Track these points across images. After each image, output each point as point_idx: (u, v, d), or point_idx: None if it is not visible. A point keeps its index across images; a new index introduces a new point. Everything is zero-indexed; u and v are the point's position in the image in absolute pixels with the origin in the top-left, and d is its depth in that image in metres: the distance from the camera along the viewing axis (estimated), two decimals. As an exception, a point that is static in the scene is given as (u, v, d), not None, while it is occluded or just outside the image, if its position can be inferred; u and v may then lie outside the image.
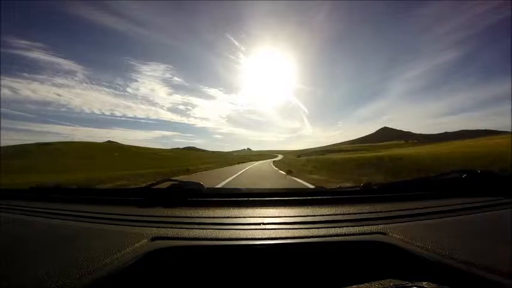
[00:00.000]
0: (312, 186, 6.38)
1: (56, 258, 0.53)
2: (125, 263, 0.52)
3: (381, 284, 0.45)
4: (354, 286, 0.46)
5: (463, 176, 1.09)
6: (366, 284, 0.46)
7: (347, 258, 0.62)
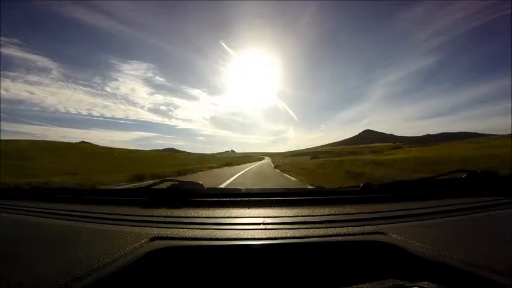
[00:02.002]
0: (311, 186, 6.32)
1: (56, 258, 0.53)
2: (124, 263, 0.52)
3: (381, 284, 0.45)
4: (354, 286, 0.46)
5: (463, 176, 1.09)
6: (366, 284, 0.46)
7: (347, 258, 0.62)
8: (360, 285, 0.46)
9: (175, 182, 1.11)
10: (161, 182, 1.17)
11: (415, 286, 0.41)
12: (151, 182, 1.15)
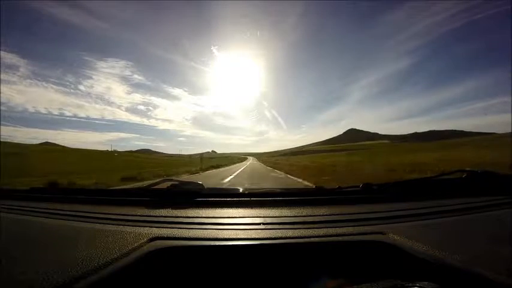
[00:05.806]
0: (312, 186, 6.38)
1: (56, 258, 0.53)
2: (124, 263, 0.52)
3: (381, 284, 0.45)
4: (354, 286, 0.46)
5: (463, 176, 1.10)
6: (366, 284, 0.46)
7: (347, 258, 0.62)
8: (360, 285, 0.46)
9: (175, 182, 1.11)
10: (161, 182, 1.17)
11: (415, 286, 0.41)
12: (152, 182, 1.16)
